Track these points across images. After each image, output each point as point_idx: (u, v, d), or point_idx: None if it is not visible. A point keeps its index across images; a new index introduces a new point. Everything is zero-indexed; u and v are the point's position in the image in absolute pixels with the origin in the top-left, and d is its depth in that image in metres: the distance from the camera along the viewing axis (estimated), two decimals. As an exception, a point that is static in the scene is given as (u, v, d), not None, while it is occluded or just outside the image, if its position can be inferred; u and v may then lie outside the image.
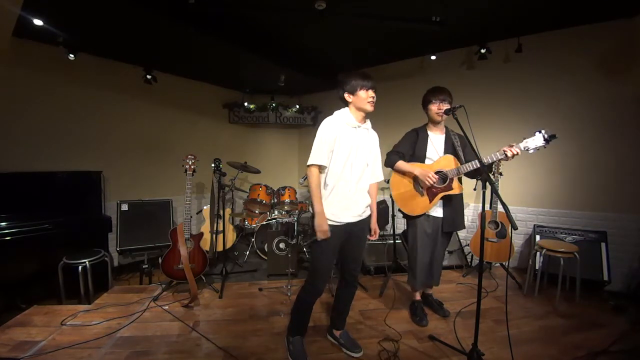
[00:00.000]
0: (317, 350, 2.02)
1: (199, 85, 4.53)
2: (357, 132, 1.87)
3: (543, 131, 1.86)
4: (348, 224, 1.85)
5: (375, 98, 1.83)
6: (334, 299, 2.13)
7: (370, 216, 1.99)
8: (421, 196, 2.21)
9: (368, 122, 1.96)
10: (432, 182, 2.13)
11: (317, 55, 3.92)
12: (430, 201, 2.19)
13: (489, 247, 3.07)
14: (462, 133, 1.92)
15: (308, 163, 1.85)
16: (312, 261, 1.98)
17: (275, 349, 2.03)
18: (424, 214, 2.25)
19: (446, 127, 2.32)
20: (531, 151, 1.89)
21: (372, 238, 2.01)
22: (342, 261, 2.01)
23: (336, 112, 1.89)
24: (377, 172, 2.01)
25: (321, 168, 1.85)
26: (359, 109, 1.86)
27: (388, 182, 2.42)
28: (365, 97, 1.80)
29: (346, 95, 1.85)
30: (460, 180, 2.24)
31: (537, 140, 1.87)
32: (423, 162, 2.26)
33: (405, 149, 2.31)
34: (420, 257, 2.27)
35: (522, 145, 1.90)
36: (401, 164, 2.26)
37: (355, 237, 1.92)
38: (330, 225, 1.79)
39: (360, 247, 1.99)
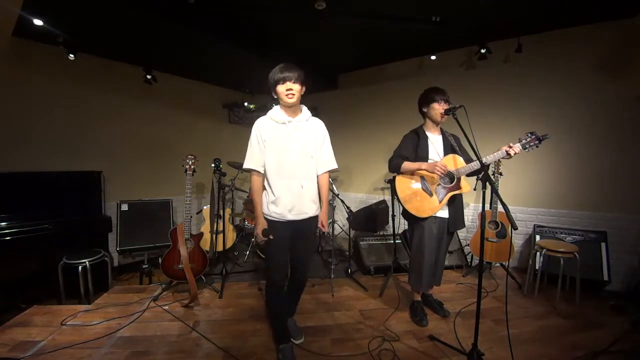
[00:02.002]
0: (317, 351, 2.02)
1: (199, 85, 4.53)
2: (289, 127, 1.84)
3: (536, 132, 1.97)
4: (293, 221, 1.85)
5: (293, 90, 1.76)
6: (286, 293, 2.15)
7: (318, 214, 1.96)
8: (430, 196, 2.19)
9: (304, 113, 1.91)
10: (442, 171, 2.04)
11: (317, 55, 3.93)
12: (440, 201, 2.17)
13: (489, 247, 3.07)
14: (457, 134, 1.93)
15: (243, 167, 1.88)
16: (265, 256, 2.00)
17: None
18: (431, 216, 2.21)
19: (441, 128, 2.32)
20: (527, 150, 1.97)
21: (323, 230, 1.98)
22: (290, 258, 2.02)
23: (269, 111, 1.90)
24: (324, 161, 1.96)
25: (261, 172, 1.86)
26: (283, 104, 1.85)
27: (388, 182, 2.42)
28: (282, 91, 1.78)
29: (273, 93, 1.85)
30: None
31: (530, 140, 1.96)
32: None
33: (408, 151, 2.27)
34: (427, 259, 2.24)
35: (519, 145, 1.97)
36: (407, 164, 2.22)
37: (301, 236, 1.92)
38: (273, 221, 1.84)
39: (305, 247, 1.99)
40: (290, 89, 1.76)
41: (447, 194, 2.16)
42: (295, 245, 1.96)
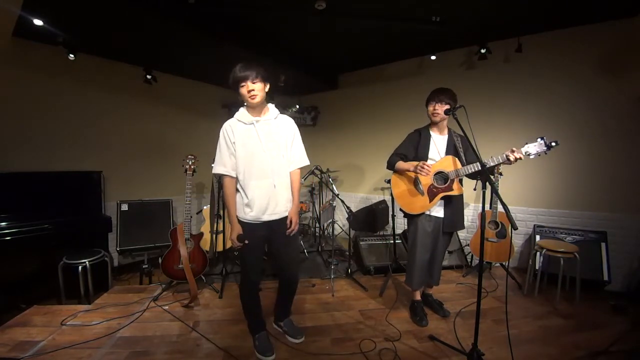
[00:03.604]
0: (317, 351, 2.02)
1: (199, 85, 4.53)
2: (257, 127, 1.81)
3: (545, 138, 1.90)
4: (269, 221, 1.85)
5: (255, 89, 1.72)
6: (277, 295, 2.20)
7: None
8: (421, 195, 2.21)
9: (271, 111, 1.89)
10: (426, 171, 2.08)
11: (317, 55, 3.93)
12: (430, 201, 2.19)
13: (489, 247, 3.07)
14: (463, 134, 1.93)
15: (213, 171, 1.87)
16: (241, 256, 1.96)
17: (275, 348, 2.03)
18: (425, 214, 2.24)
19: (449, 129, 2.32)
20: (532, 156, 1.92)
21: (288, 230, 1.89)
22: (275, 261, 2.00)
23: (236, 113, 1.88)
24: (295, 158, 1.94)
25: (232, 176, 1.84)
26: (248, 104, 1.83)
27: (388, 182, 2.43)
28: (244, 93, 1.74)
29: (237, 95, 1.81)
30: (460, 182, 2.24)
31: (538, 146, 1.90)
32: None
33: (406, 150, 2.31)
34: (419, 257, 2.27)
35: (523, 150, 1.92)
36: (399, 164, 2.28)
37: (281, 236, 1.90)
38: (249, 224, 1.83)
39: (288, 245, 1.96)
40: (251, 90, 1.72)
41: (437, 194, 2.18)
42: (278, 246, 1.95)
